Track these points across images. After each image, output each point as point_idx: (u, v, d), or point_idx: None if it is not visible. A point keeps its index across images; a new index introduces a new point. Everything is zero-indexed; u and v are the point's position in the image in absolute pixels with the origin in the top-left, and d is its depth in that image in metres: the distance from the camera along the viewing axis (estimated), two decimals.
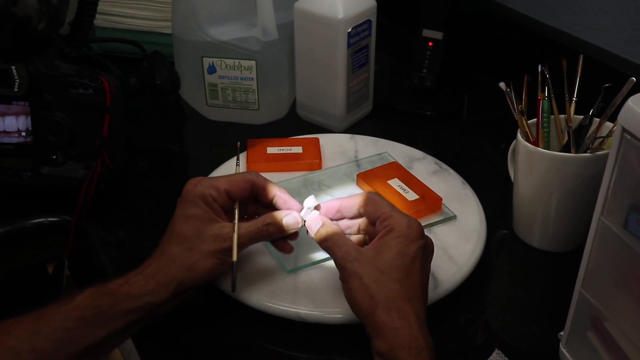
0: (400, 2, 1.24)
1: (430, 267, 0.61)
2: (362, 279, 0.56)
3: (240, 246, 0.61)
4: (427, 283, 0.60)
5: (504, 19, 1.04)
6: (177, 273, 0.59)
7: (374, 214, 0.61)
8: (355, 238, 0.65)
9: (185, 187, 0.64)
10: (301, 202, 0.65)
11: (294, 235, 0.65)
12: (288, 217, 0.63)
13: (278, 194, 0.65)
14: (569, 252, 0.74)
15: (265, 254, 0.70)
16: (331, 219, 0.64)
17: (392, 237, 0.58)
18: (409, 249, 0.58)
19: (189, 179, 0.65)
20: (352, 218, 0.65)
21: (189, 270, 0.59)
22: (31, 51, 0.52)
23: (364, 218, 0.64)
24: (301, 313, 0.64)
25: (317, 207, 0.65)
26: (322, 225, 0.62)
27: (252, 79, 0.95)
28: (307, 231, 0.64)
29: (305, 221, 0.64)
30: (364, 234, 0.65)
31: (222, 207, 0.63)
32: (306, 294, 0.65)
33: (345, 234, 0.61)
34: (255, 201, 0.67)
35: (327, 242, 0.60)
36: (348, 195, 0.65)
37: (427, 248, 0.60)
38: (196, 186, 0.63)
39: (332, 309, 0.64)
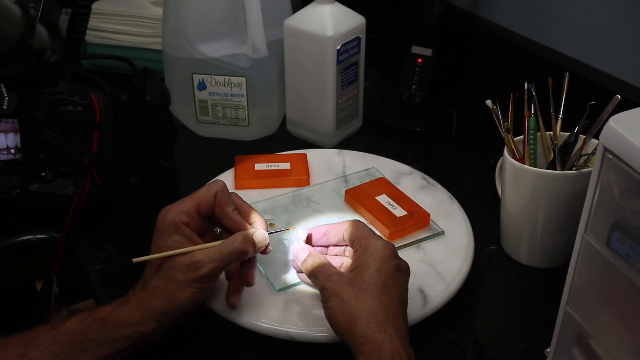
0: (390, 19, 1.26)
1: (407, 287, 0.61)
2: (342, 297, 0.57)
3: (215, 270, 0.60)
4: (406, 300, 0.60)
5: (492, 35, 1.05)
6: (159, 304, 0.59)
7: (352, 236, 0.63)
8: (341, 260, 0.65)
9: (157, 218, 0.63)
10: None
11: (265, 250, 0.65)
12: (257, 234, 0.63)
13: (230, 216, 0.64)
14: (556, 268, 0.74)
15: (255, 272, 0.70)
16: (317, 243, 0.66)
17: (368, 256, 0.60)
18: (386, 266, 0.59)
19: (179, 196, 0.65)
20: (337, 244, 0.66)
21: (169, 301, 0.59)
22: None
23: (349, 247, 0.65)
24: (291, 332, 0.64)
25: (308, 236, 0.67)
26: (309, 255, 0.63)
27: (242, 95, 0.95)
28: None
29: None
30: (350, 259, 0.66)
31: (197, 229, 0.63)
32: (296, 312, 0.65)
33: (329, 263, 0.63)
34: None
35: (312, 270, 0.62)
36: (335, 222, 0.67)
37: (401, 268, 0.61)
38: (165, 216, 0.62)
39: (321, 328, 0.63)
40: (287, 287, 0.68)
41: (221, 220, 0.64)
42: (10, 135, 0.78)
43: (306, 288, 0.68)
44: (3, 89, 0.74)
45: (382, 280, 0.58)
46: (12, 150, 0.79)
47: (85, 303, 0.87)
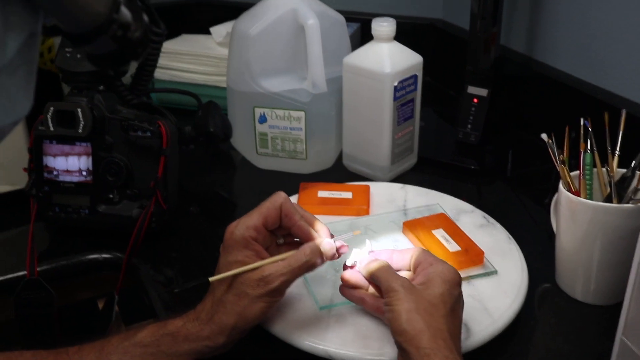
0: (446, 62, 1.28)
1: (462, 318, 0.62)
2: (412, 304, 0.57)
3: (285, 284, 0.62)
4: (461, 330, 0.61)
5: (547, 77, 1.06)
6: (229, 319, 0.61)
7: (418, 261, 0.64)
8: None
9: (225, 233, 0.65)
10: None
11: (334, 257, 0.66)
12: (324, 244, 0.64)
13: (299, 225, 0.65)
14: (612, 305, 0.73)
15: (300, 287, 0.71)
16: None
17: (437, 275, 0.60)
18: (454, 291, 0.60)
19: None
20: (400, 269, 0.66)
21: (240, 316, 0.61)
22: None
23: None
24: (330, 351, 0.64)
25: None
26: (374, 259, 0.64)
27: (301, 129, 0.98)
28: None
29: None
30: None
31: (264, 243, 0.65)
32: (337, 332, 0.66)
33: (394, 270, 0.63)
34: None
35: (377, 272, 0.62)
36: (402, 249, 0.67)
37: (461, 299, 0.62)
38: (234, 232, 0.64)
39: (361, 350, 0.64)
40: (331, 305, 0.69)
41: (289, 229, 0.66)
42: (83, 158, 0.83)
43: (349, 309, 0.69)
44: (79, 115, 0.79)
45: (450, 302, 0.59)
46: (84, 173, 0.83)
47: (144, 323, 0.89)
